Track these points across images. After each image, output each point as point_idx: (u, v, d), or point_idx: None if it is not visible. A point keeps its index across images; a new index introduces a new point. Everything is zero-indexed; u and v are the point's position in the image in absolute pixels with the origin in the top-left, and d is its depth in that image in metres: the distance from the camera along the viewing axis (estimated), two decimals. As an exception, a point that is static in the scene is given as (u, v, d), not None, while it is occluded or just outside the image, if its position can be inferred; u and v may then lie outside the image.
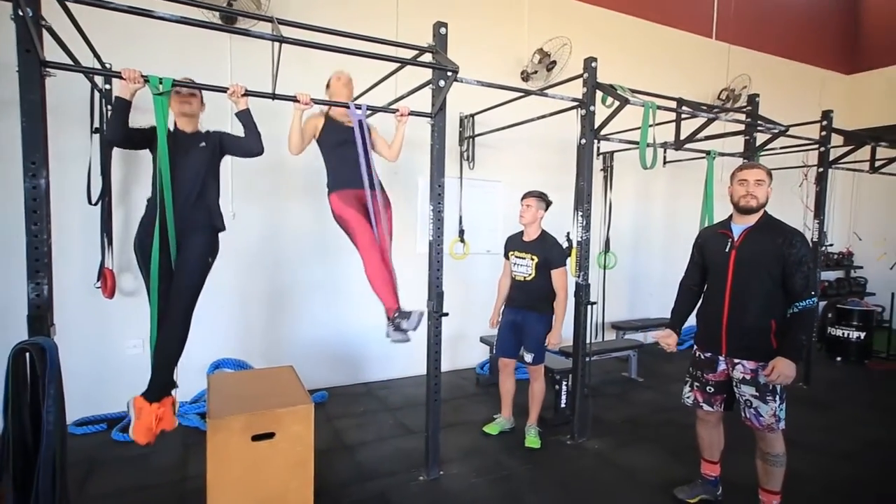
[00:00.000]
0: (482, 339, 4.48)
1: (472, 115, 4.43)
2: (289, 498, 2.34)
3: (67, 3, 2.02)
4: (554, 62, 4.65)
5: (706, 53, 6.03)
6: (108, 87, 3.18)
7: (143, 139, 2.22)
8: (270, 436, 2.28)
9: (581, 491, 2.65)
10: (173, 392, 2.30)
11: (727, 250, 2.24)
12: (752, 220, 2.21)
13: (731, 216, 2.31)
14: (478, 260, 4.68)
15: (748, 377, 2.20)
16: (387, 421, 3.53)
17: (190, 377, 3.68)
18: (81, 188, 3.17)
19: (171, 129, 2.23)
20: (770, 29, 6.54)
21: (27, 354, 1.79)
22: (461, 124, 4.47)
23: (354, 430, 3.34)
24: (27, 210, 1.83)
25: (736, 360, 2.22)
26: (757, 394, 2.17)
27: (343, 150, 2.56)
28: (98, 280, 3.26)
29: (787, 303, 2.14)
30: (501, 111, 3.90)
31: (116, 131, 2.07)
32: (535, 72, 4.74)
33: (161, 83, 2.01)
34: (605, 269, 5.17)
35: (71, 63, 2.28)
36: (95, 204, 3.18)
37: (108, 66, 2.97)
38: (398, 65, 2.69)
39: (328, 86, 2.76)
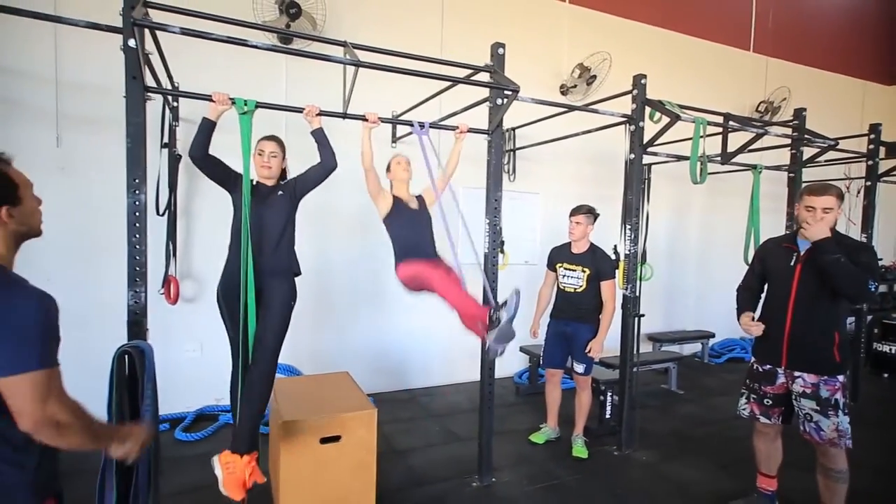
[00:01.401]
0: (522, 349, 4.53)
1: (514, 129, 4.52)
2: (352, 499, 2.44)
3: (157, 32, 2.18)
4: (594, 76, 4.73)
5: (743, 66, 6.02)
6: (175, 104, 3.37)
7: (224, 175, 2.28)
8: (336, 439, 2.38)
9: (635, 502, 2.67)
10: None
11: (792, 264, 2.26)
12: None
13: (796, 230, 2.32)
14: (517, 270, 4.74)
15: (808, 391, 2.21)
16: (433, 427, 3.60)
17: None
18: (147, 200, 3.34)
19: (254, 182, 2.28)
20: (808, 41, 6.49)
21: (127, 356, 1.94)
22: (502, 137, 4.56)
23: (403, 435, 3.43)
24: (129, 223, 1.98)
25: (796, 374, 2.24)
26: (818, 407, 2.18)
27: (409, 230, 2.58)
28: (162, 287, 3.42)
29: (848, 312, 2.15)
30: (541, 124, 3.98)
31: (200, 148, 2.19)
32: (575, 86, 4.82)
33: (246, 104, 2.16)
34: (641, 280, 5.17)
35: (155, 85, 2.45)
36: (162, 214, 3.36)
37: (175, 85, 3.15)
38: (451, 81, 2.78)
39: (388, 169, 2.71)
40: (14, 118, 3.09)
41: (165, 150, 3.33)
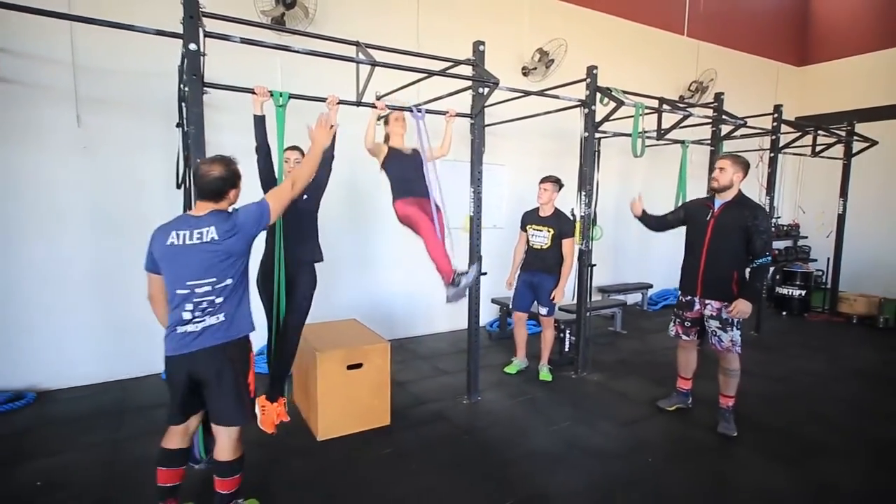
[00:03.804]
0: (493, 300, 5.24)
1: (484, 108, 5.06)
2: (373, 413, 3.06)
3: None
4: (552, 60, 5.32)
5: (679, 49, 6.80)
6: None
7: (271, 176, 2.77)
8: (359, 366, 2.98)
9: (589, 406, 3.46)
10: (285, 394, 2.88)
11: (707, 218, 3.01)
12: (729, 196, 2.98)
13: (714, 193, 3.06)
14: (486, 233, 5.37)
15: (714, 314, 3.01)
16: (423, 366, 4.26)
17: (253, 335, 4.31)
18: (162, 174, 3.69)
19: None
20: (734, 26, 7.35)
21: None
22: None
23: (400, 372, 4.06)
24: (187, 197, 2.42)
25: (707, 301, 3.03)
26: (720, 325, 2.99)
27: (403, 172, 3.09)
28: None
29: (748, 260, 2.93)
30: (508, 104, 4.56)
31: (262, 137, 2.68)
32: (535, 68, 5.40)
33: (281, 96, 2.61)
34: (592, 240, 5.97)
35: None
36: (179, 187, 3.71)
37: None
38: (441, 75, 3.30)
39: (387, 122, 3.25)
40: (36, 100, 3.34)
41: (178, 130, 3.65)
